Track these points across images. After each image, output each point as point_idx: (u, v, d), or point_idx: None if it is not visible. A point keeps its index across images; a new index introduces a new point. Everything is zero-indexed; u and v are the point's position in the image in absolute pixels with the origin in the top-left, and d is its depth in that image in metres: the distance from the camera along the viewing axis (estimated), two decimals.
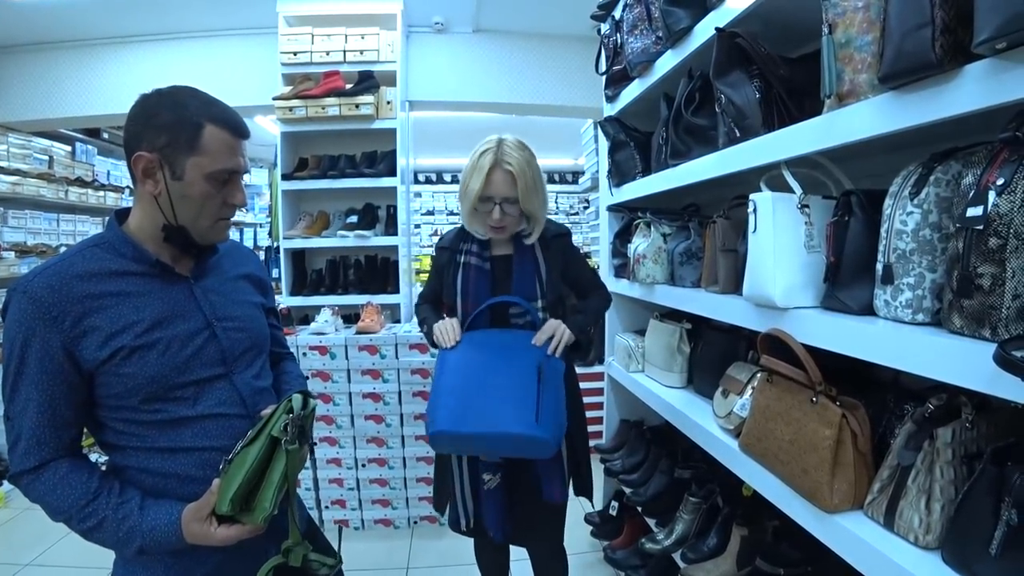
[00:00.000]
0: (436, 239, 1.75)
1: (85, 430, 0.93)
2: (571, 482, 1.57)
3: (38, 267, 0.87)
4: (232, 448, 0.90)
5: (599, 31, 2.11)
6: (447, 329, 1.43)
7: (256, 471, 0.86)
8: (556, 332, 1.39)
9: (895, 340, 0.85)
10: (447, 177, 8.52)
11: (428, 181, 8.54)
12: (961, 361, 0.73)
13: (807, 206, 1.09)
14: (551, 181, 8.73)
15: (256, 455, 0.86)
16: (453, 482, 1.51)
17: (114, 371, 0.86)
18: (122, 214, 0.96)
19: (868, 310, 0.96)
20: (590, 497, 1.64)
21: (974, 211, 0.72)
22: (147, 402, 0.88)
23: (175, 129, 0.86)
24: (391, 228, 3.13)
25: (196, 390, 0.93)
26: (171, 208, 0.89)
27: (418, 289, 2.30)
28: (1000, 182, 0.70)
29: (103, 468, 0.92)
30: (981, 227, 0.71)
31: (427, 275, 1.75)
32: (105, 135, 4.23)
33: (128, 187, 4.31)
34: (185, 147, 0.87)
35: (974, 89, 0.71)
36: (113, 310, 0.86)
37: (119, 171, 4.25)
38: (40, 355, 0.83)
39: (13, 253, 3.32)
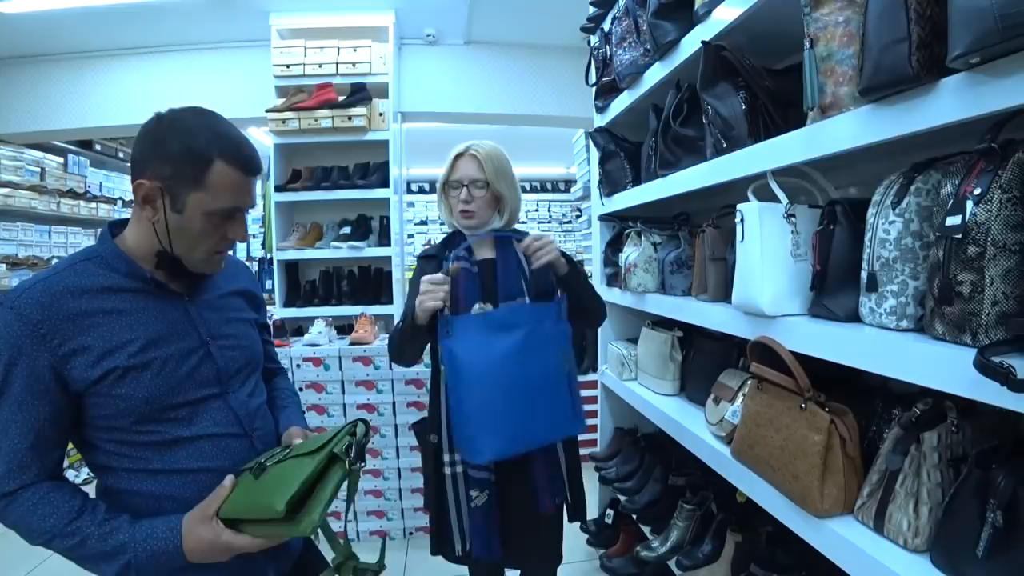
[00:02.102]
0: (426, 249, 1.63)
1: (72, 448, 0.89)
2: (566, 502, 1.51)
3: (26, 281, 0.83)
4: (226, 468, 0.89)
5: (589, 43, 2.14)
6: (433, 288, 1.25)
7: (313, 481, 0.84)
8: (544, 243, 1.33)
9: (880, 346, 0.87)
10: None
11: (421, 191, 8.57)
12: (944, 366, 0.75)
13: (793, 215, 1.11)
14: (544, 190, 8.78)
15: (316, 465, 0.85)
16: (447, 505, 1.42)
17: (106, 392, 0.83)
18: (116, 226, 0.93)
19: (854, 317, 0.98)
20: (584, 519, 1.61)
21: (953, 220, 0.74)
22: (141, 423, 0.86)
23: (182, 161, 0.83)
24: (384, 239, 3.14)
25: (191, 410, 0.91)
26: (167, 237, 0.87)
27: None
28: (977, 192, 0.72)
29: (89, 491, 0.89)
30: (960, 236, 0.73)
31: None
32: (98, 147, 4.22)
33: (121, 199, 4.30)
34: (189, 182, 0.83)
35: (950, 102, 0.73)
36: (105, 328, 0.83)
37: (111, 183, 4.24)
38: (26, 375, 0.79)
39: (4, 265, 3.30)
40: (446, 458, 1.42)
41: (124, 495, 0.88)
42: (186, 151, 0.83)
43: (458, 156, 1.46)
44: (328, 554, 1.12)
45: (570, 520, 1.54)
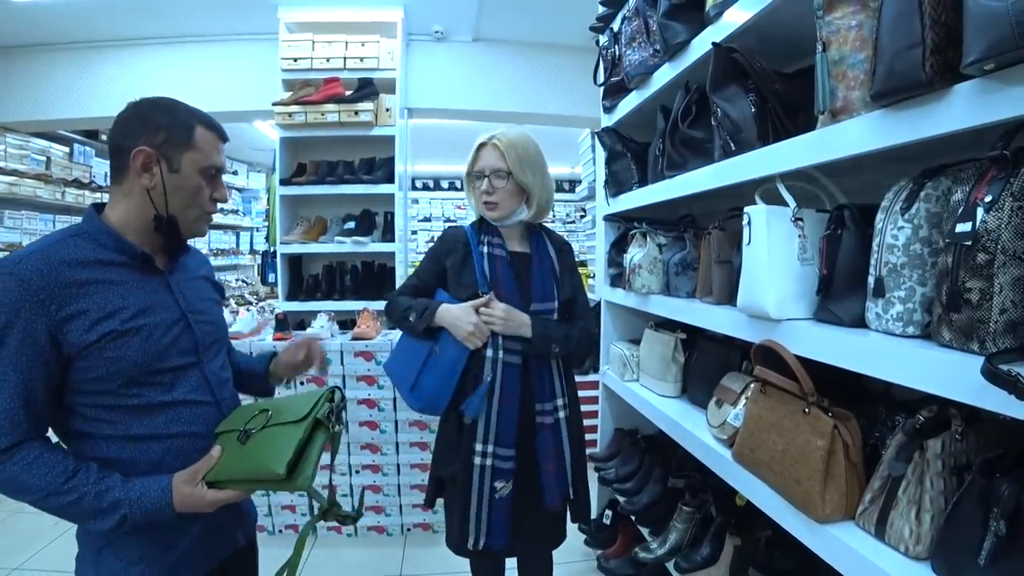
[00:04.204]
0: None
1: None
2: (569, 500, 1.53)
3: (22, 251, 0.89)
4: (199, 433, 1.01)
5: (598, 42, 2.14)
6: (480, 335, 1.38)
7: (303, 444, 0.98)
8: (503, 316, 1.38)
9: (886, 352, 0.86)
10: (444, 184, 8.55)
11: (426, 188, 8.57)
12: (950, 374, 0.75)
13: (801, 219, 1.11)
14: None
15: (305, 431, 0.98)
16: (471, 497, 1.41)
17: (99, 354, 0.89)
18: (99, 208, 1.01)
19: (860, 322, 0.97)
20: (587, 521, 1.61)
21: (963, 227, 0.74)
22: (127, 386, 0.93)
23: (171, 128, 0.96)
24: (388, 234, 3.15)
25: (172, 377, 0.99)
26: (164, 200, 0.97)
27: None
28: (988, 199, 0.71)
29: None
30: (970, 243, 0.72)
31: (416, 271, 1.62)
32: (103, 137, 4.23)
33: None
34: (182, 144, 0.97)
35: (963, 108, 0.73)
36: (100, 296, 0.91)
37: None
38: (22, 336, 0.84)
39: (8, 254, 3.31)
40: (478, 447, 1.40)
41: (100, 463, 0.92)
42: (174, 120, 0.97)
43: (481, 146, 1.46)
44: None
45: (573, 520, 1.55)
